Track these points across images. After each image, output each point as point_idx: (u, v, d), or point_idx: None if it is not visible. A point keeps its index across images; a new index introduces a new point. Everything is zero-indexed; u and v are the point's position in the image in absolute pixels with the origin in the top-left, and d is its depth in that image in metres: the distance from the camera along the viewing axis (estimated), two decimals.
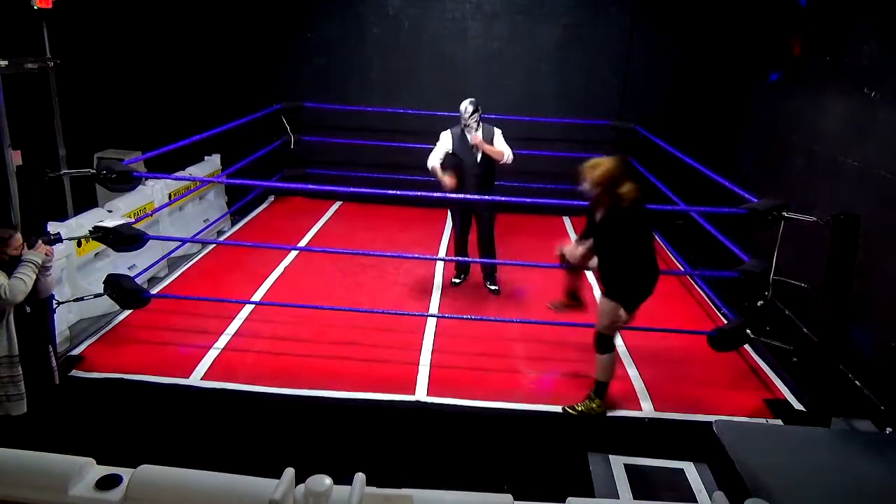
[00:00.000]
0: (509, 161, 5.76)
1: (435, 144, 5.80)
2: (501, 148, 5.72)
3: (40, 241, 3.80)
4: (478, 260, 6.08)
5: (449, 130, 5.80)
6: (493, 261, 5.98)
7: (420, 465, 4.15)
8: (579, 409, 4.29)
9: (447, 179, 5.60)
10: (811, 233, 4.54)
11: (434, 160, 5.72)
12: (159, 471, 1.60)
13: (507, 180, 7.16)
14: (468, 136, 5.68)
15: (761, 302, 4.61)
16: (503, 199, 5.41)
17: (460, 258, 6.12)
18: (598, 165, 3.95)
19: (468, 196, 5.63)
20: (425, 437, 4.29)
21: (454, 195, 5.63)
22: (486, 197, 5.56)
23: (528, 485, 3.97)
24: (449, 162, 5.73)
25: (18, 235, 3.70)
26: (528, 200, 5.55)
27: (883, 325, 4.61)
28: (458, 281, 6.25)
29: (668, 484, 3.88)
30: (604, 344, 4.20)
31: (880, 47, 5.05)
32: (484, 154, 5.69)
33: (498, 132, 5.80)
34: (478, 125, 5.68)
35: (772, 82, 6.96)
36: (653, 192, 7.47)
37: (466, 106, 5.66)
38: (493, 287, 6.16)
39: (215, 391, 4.37)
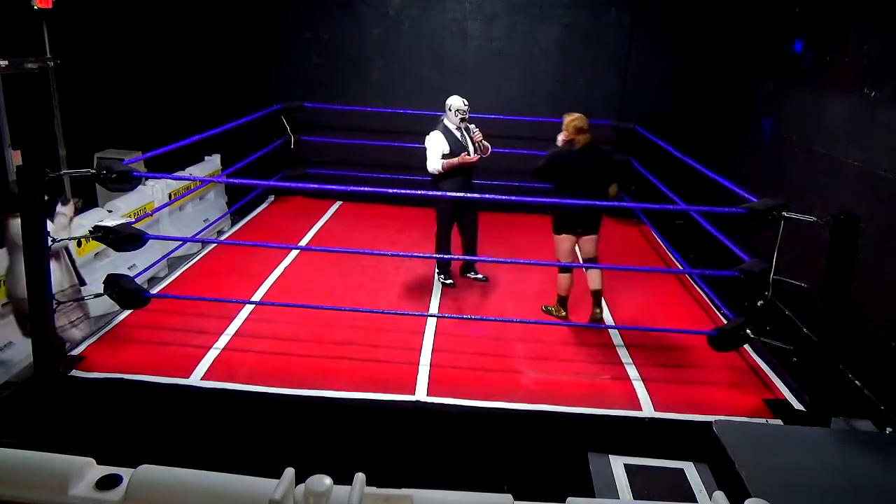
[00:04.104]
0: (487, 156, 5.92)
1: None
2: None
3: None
4: (483, 259, 6.11)
5: (437, 131, 5.73)
6: (497, 259, 6.00)
7: (420, 465, 4.15)
8: (546, 308, 5.58)
9: (467, 156, 5.65)
10: (811, 233, 4.54)
11: (436, 162, 5.67)
12: (159, 471, 1.60)
13: (507, 179, 7.16)
14: (468, 133, 5.74)
15: (761, 302, 4.60)
16: (513, 198, 5.15)
17: (455, 257, 6.15)
18: (572, 116, 5.25)
19: (472, 195, 5.63)
20: (425, 437, 4.29)
21: (458, 194, 5.63)
22: (497, 197, 5.46)
23: (528, 485, 3.98)
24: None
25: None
26: (530, 200, 5.53)
27: (883, 325, 4.61)
28: (450, 281, 6.16)
29: (668, 484, 3.89)
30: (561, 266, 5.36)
31: (881, 47, 5.05)
32: (475, 149, 5.77)
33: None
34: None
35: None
36: (653, 192, 7.48)
37: (462, 101, 5.70)
38: (479, 276, 6.21)
39: (215, 391, 4.36)
